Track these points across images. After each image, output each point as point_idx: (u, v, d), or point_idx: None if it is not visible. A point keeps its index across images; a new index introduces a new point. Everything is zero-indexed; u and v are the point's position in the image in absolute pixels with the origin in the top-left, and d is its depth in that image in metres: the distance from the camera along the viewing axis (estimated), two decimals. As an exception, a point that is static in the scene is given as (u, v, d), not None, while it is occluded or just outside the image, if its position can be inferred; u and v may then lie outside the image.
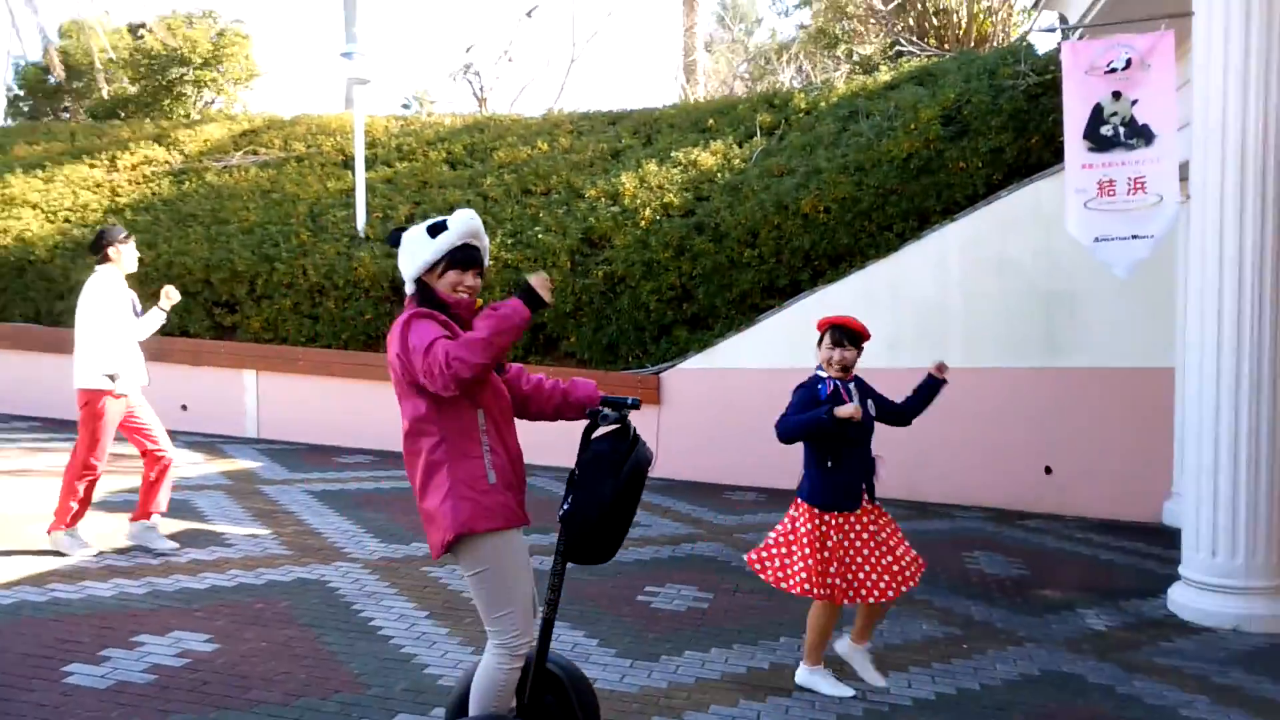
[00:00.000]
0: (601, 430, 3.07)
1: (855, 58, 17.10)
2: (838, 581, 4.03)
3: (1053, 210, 7.78)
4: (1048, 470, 8.39)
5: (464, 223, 2.96)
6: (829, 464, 4.09)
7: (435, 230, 2.95)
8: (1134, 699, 4.28)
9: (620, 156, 11.71)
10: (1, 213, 12.43)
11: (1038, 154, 8.94)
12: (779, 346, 8.92)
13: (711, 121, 11.90)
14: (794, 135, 10.82)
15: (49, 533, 5.78)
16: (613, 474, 2.94)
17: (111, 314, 5.73)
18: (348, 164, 12.49)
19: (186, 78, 19.93)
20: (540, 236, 10.12)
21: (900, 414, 4.44)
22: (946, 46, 15.17)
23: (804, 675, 4.26)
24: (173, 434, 10.18)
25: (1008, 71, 9.53)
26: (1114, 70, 6.12)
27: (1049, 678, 4.52)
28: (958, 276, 8.58)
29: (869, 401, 4.23)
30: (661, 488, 8.71)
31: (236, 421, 10.55)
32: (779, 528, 4.28)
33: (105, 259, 5.80)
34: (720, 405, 9.03)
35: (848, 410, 3.94)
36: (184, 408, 10.59)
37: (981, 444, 8.48)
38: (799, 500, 4.19)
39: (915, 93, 10.19)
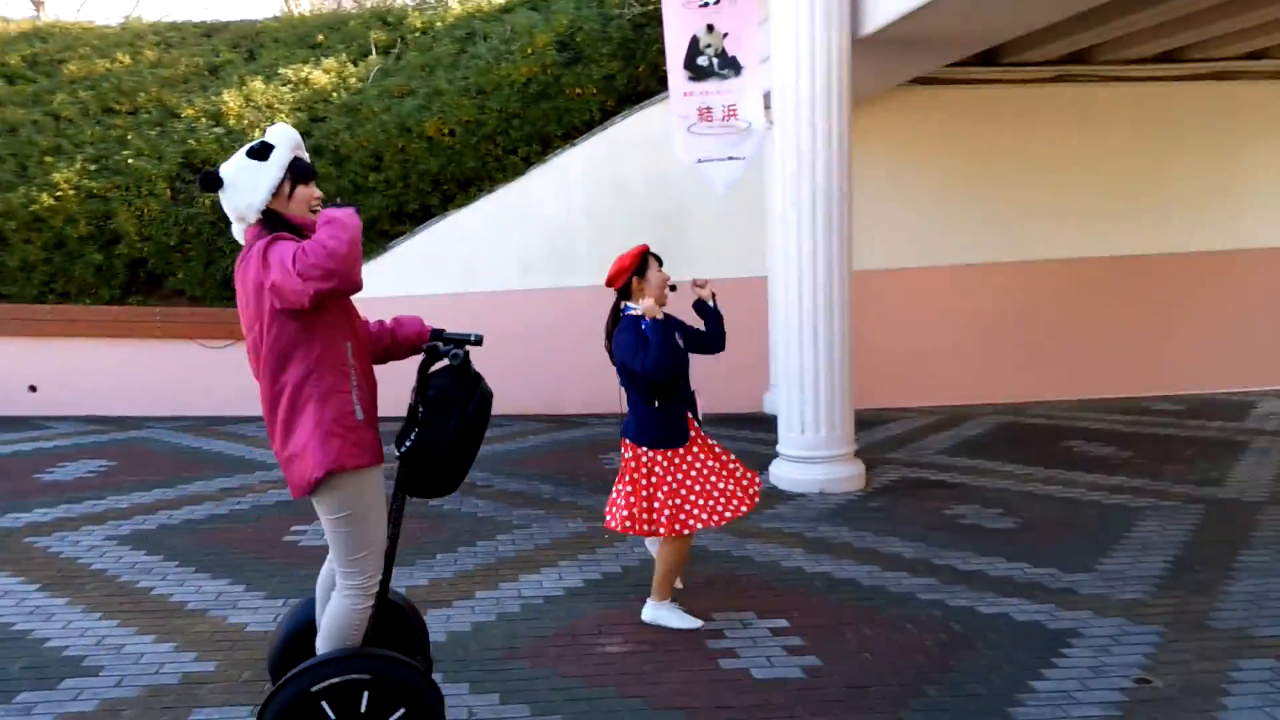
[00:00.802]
0: (438, 365, 2.96)
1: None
2: (690, 510, 3.95)
3: (661, 135, 8.41)
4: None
5: (289, 136, 2.79)
6: (656, 403, 3.99)
7: (262, 153, 2.72)
8: (746, 558, 4.98)
9: (219, 73, 10.73)
10: None
11: (646, 82, 9.56)
12: (413, 273, 8.86)
13: (321, 37, 11.26)
14: (411, 55, 10.58)
15: None
16: (458, 409, 2.88)
17: None
18: None
19: None
20: (131, 161, 9.07)
21: (707, 342, 4.30)
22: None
23: (651, 611, 4.15)
24: None
25: (615, 0, 10.01)
26: (707, 4, 6.70)
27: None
28: (581, 200, 9.02)
29: (676, 335, 4.04)
30: (298, 425, 8.38)
31: None
32: (621, 482, 4.12)
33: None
34: (355, 336, 8.80)
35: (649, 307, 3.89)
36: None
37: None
38: (630, 443, 4.06)
39: (530, 17, 10.38)
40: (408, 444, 2.91)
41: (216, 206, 8.84)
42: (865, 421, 8.00)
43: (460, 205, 9.04)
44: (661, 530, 3.98)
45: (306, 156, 2.88)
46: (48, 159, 9.20)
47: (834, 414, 6.22)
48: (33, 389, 8.80)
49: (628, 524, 4.03)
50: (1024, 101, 9.30)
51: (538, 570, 4.82)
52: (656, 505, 3.97)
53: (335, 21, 11.89)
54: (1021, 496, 6.09)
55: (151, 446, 7.59)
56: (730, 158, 6.74)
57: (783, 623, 4.13)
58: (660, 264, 4.17)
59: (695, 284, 4.29)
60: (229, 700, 3.47)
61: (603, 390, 9.26)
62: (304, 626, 3.08)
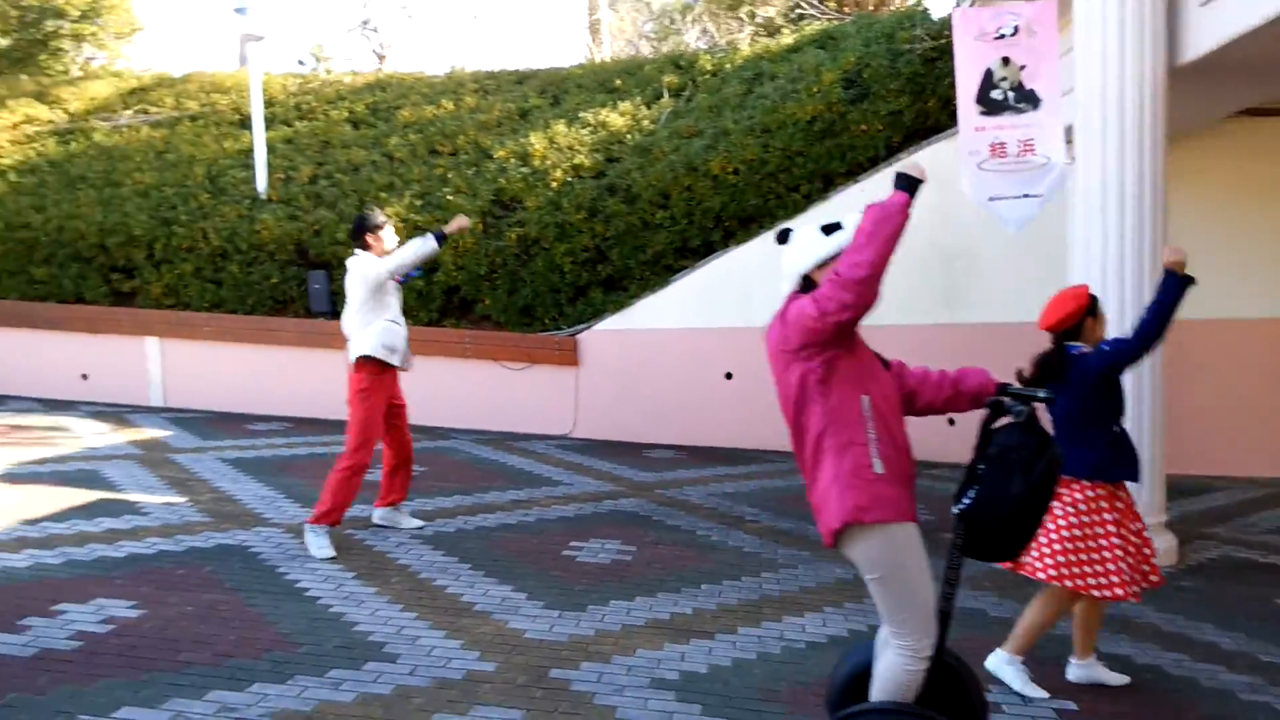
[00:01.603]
0: (1002, 421, 2.90)
1: (758, 19, 17.28)
2: (1109, 568, 3.65)
3: (949, 171, 8.10)
4: (950, 422, 8.82)
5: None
6: (1115, 428, 3.81)
7: (830, 230, 2.91)
8: (1026, 626, 4.63)
9: (528, 116, 11.65)
10: None
11: (935, 117, 9.28)
12: (693, 306, 9.13)
13: (619, 82, 11.93)
14: (701, 97, 10.95)
15: (308, 523, 5.54)
16: (1022, 470, 2.78)
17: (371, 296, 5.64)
18: (245, 123, 12.10)
19: (63, 31, 18.87)
20: (450, 197, 10.05)
21: (1145, 337, 3.89)
22: (846, 9, 15.47)
23: (997, 661, 3.96)
24: (73, 404, 9.91)
25: (905, 36, 9.82)
26: (1003, 36, 6.40)
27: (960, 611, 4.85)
28: (862, 236, 8.87)
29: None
30: (582, 447, 8.86)
31: (140, 390, 10.24)
32: (1059, 523, 3.77)
33: (364, 245, 5.68)
34: (637, 365, 9.20)
35: None
36: (84, 377, 10.23)
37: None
38: (1076, 481, 3.76)
39: (817, 55, 10.42)
40: (965, 502, 2.84)
41: (521, 241, 9.62)
42: (1181, 489, 7.23)
43: (741, 241, 9.20)
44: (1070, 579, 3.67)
45: None
46: (382, 194, 10.42)
47: (1143, 476, 5.65)
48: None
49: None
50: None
51: (801, 613, 4.77)
52: (1083, 549, 3.67)
53: (633, 66, 12.57)
54: (1371, 589, 5.23)
55: (455, 456, 8.32)
56: (1025, 195, 6.37)
57: (1071, 705, 3.81)
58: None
59: (1168, 250, 3.95)
60: (504, 702, 3.71)
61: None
62: (864, 669, 3.04)
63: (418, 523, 6.05)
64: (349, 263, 5.75)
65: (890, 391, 2.91)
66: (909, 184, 2.73)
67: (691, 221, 9.45)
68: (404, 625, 4.44)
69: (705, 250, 9.40)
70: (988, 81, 6.55)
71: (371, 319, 5.64)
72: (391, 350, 5.70)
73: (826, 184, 9.30)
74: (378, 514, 6.04)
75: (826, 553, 5.78)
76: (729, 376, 9.08)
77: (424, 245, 5.63)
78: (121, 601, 4.53)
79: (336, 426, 9.46)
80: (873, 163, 9.21)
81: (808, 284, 2.88)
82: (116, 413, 9.67)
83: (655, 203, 9.51)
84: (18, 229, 10.59)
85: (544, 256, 9.54)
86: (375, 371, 5.64)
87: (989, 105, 6.51)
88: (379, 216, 5.80)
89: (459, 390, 9.68)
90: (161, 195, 10.79)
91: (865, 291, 2.63)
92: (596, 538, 5.96)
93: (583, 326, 9.36)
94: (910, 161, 2.79)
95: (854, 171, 9.25)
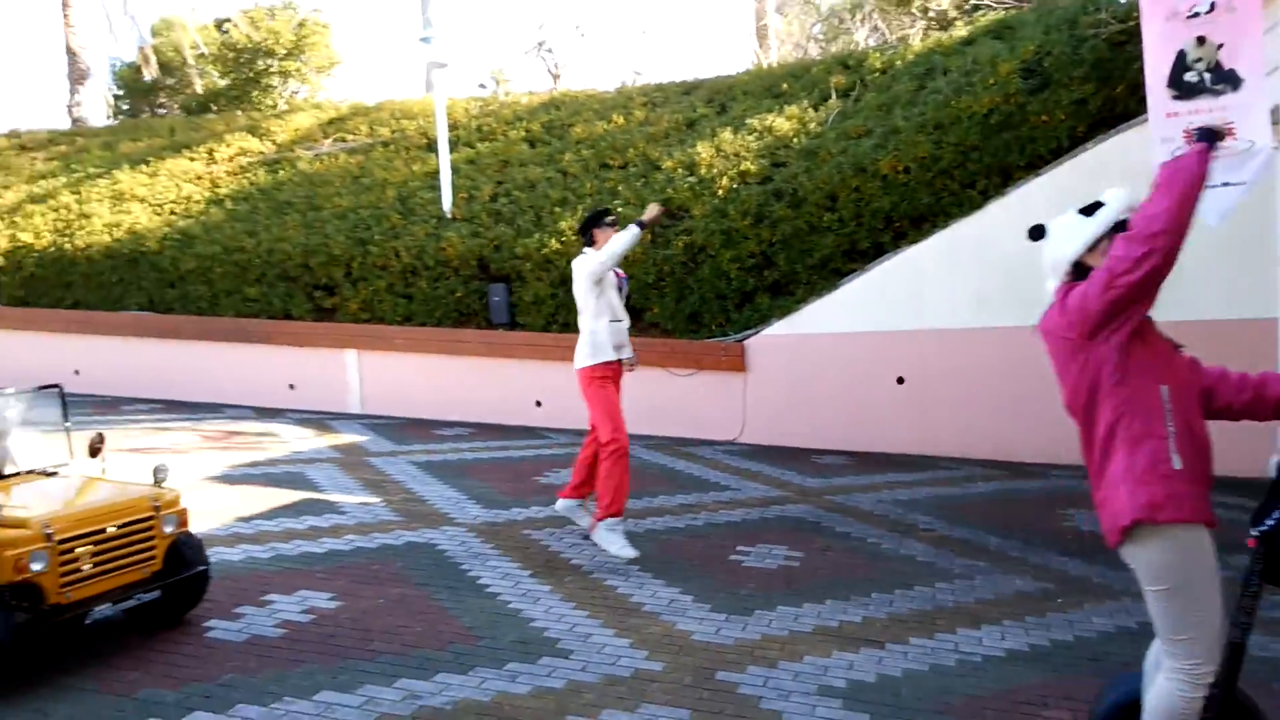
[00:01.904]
0: None
1: (930, 14, 16.75)
2: None
3: (1141, 160, 7.58)
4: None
5: (1122, 197, 2.83)
6: None
7: (1090, 210, 2.84)
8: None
9: (695, 126, 11.78)
10: (114, 207, 13.17)
11: (1123, 104, 8.71)
12: (862, 309, 8.96)
13: (786, 86, 11.87)
14: (870, 96, 10.74)
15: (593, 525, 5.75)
16: None
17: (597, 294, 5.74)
18: (431, 147, 12.84)
19: (272, 69, 20.62)
20: (620, 210, 10.29)
21: None
22: (1026, -3, 14.74)
23: None
24: (281, 412, 10.81)
25: (1089, 20, 9.28)
26: (1197, 15, 5.95)
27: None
28: (1044, 232, 8.46)
29: None
30: (750, 453, 8.87)
31: (340, 398, 11.06)
32: None
33: (591, 241, 5.81)
34: (805, 370, 9.12)
35: None
36: (291, 387, 11.14)
37: (1072, 401, 8.38)
38: None
39: (993, 47, 10.01)
40: (1269, 523, 2.63)
41: (688, 249, 9.75)
42: None
43: (913, 242, 8.96)
44: None
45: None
46: (557, 209, 10.81)
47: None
48: (538, 404, 10.35)
49: None
50: None
51: (977, 625, 4.61)
52: None
53: (799, 70, 12.47)
54: None
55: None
56: (1225, 184, 5.87)
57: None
58: None
59: None
60: (672, 701, 3.80)
61: (1066, 439, 8.58)
62: (1130, 700, 2.86)
63: (630, 552, 5.67)
64: (574, 264, 5.85)
65: (1189, 384, 2.73)
66: (1208, 135, 2.59)
67: (860, 223, 9.28)
68: (576, 623, 4.60)
69: (875, 252, 9.21)
70: (1180, 63, 6.11)
71: (594, 321, 5.73)
72: (618, 348, 5.82)
73: (1005, 178, 8.91)
74: (562, 504, 6.05)
75: (1005, 564, 5.56)
76: (901, 381, 8.85)
77: (628, 235, 5.65)
78: (322, 594, 4.93)
79: (514, 432, 9.91)
80: (1055, 155, 8.75)
81: (1080, 271, 2.78)
82: (319, 419, 10.49)
83: (822, 205, 9.40)
84: (234, 252, 11.67)
85: (710, 263, 9.62)
86: (602, 371, 5.77)
87: (1182, 89, 6.07)
88: (610, 213, 5.88)
89: (627, 396, 9.82)
90: (358, 217, 11.60)
91: (1164, 245, 2.48)
92: (764, 543, 5.97)
93: (750, 332, 9.37)
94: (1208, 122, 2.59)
95: (1034, 165, 8.82)
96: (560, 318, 10.24)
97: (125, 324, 12.02)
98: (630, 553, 5.51)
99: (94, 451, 4.70)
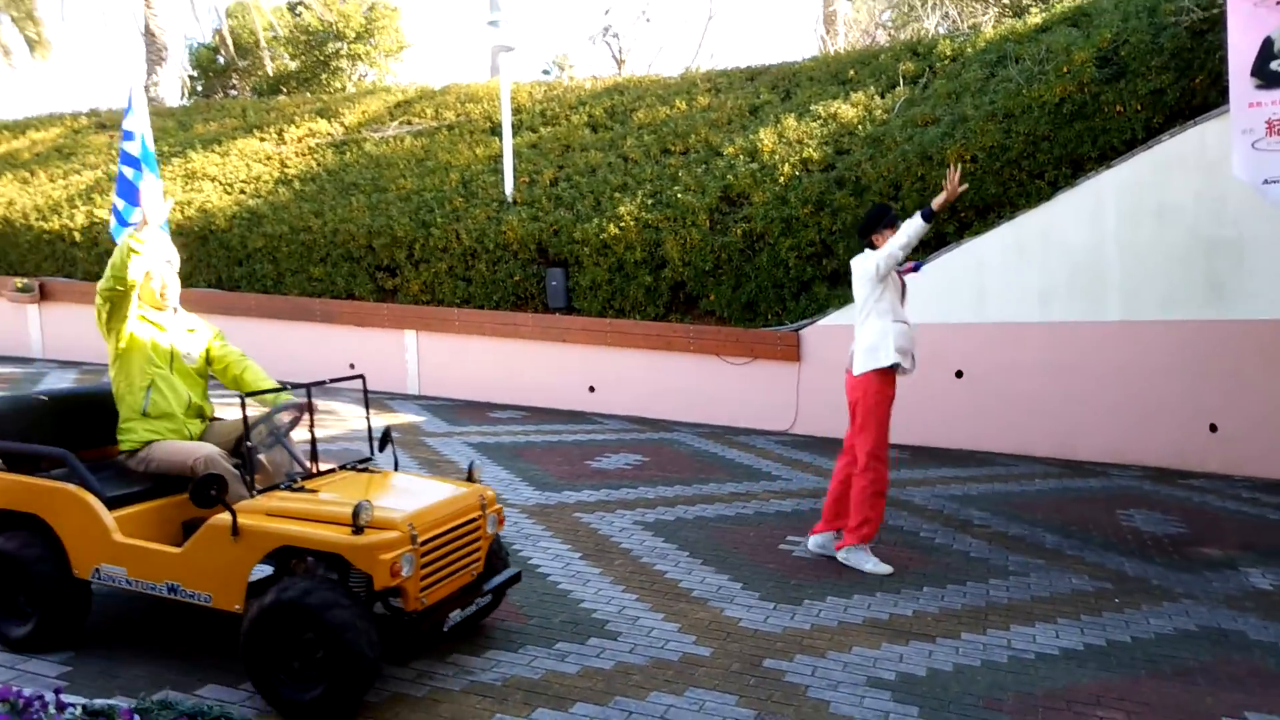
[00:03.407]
0: None
1: (1004, 0, 16.35)
2: None
3: (1218, 153, 7.38)
4: (1212, 428, 8.02)
5: None
6: None
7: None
8: (1297, 656, 4.17)
9: (759, 113, 11.69)
10: (186, 186, 13.52)
11: (1203, 94, 8.42)
12: (922, 301, 8.79)
13: (852, 73, 11.71)
14: (939, 83, 10.54)
15: (839, 549, 5.38)
16: None
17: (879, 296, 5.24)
18: (495, 131, 12.94)
19: (342, 52, 20.95)
20: (680, 196, 10.27)
21: None
22: (1105, -18, 14.29)
23: None
24: (340, 391, 11.03)
25: (1170, 8, 8.98)
26: (1289, 1, 5.75)
27: (1206, 633, 4.44)
28: (1114, 225, 8.24)
29: None
30: (803, 443, 8.81)
31: (399, 379, 11.24)
32: None
33: (871, 245, 5.31)
34: (862, 361, 9.01)
35: None
36: (351, 366, 11.35)
37: (1140, 401, 8.17)
38: None
39: (1068, 34, 9.75)
40: None
41: (747, 236, 9.69)
42: None
43: (977, 233, 8.79)
44: None
45: None
46: (616, 195, 10.82)
47: None
48: (591, 389, 10.41)
49: None
50: None
51: (1031, 623, 4.54)
52: None
53: (867, 56, 12.29)
54: None
55: (677, 447, 8.52)
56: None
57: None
58: None
59: None
60: (719, 686, 3.80)
61: (1128, 438, 8.39)
62: None
63: (885, 568, 5.25)
64: (853, 263, 5.38)
65: None
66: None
67: (924, 214, 9.13)
68: (625, 605, 4.63)
69: (937, 243, 9.06)
70: (1267, 51, 5.92)
71: (878, 321, 5.21)
72: (904, 353, 5.21)
73: (1075, 169, 8.69)
74: (815, 541, 5.55)
75: (1062, 561, 5.45)
76: (959, 375, 8.70)
77: (912, 226, 5.05)
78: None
79: (567, 416, 9.98)
80: (1128, 145, 8.50)
81: None
82: (377, 399, 10.67)
83: (885, 194, 9.26)
84: (300, 232, 11.91)
85: (769, 251, 9.55)
86: (889, 378, 5.25)
87: (1267, 78, 5.89)
88: (891, 211, 5.33)
89: (682, 384, 9.89)
90: (421, 199, 11.75)
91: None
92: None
93: (806, 322, 9.29)
94: None
95: (1106, 156, 8.58)
96: (615, 303, 10.27)
97: (192, 300, 12.28)
98: (885, 569, 5.19)
99: (383, 444, 4.46)
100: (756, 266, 9.62)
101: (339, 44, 20.84)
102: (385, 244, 11.40)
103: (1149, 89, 8.50)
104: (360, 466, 4.40)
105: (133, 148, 6.97)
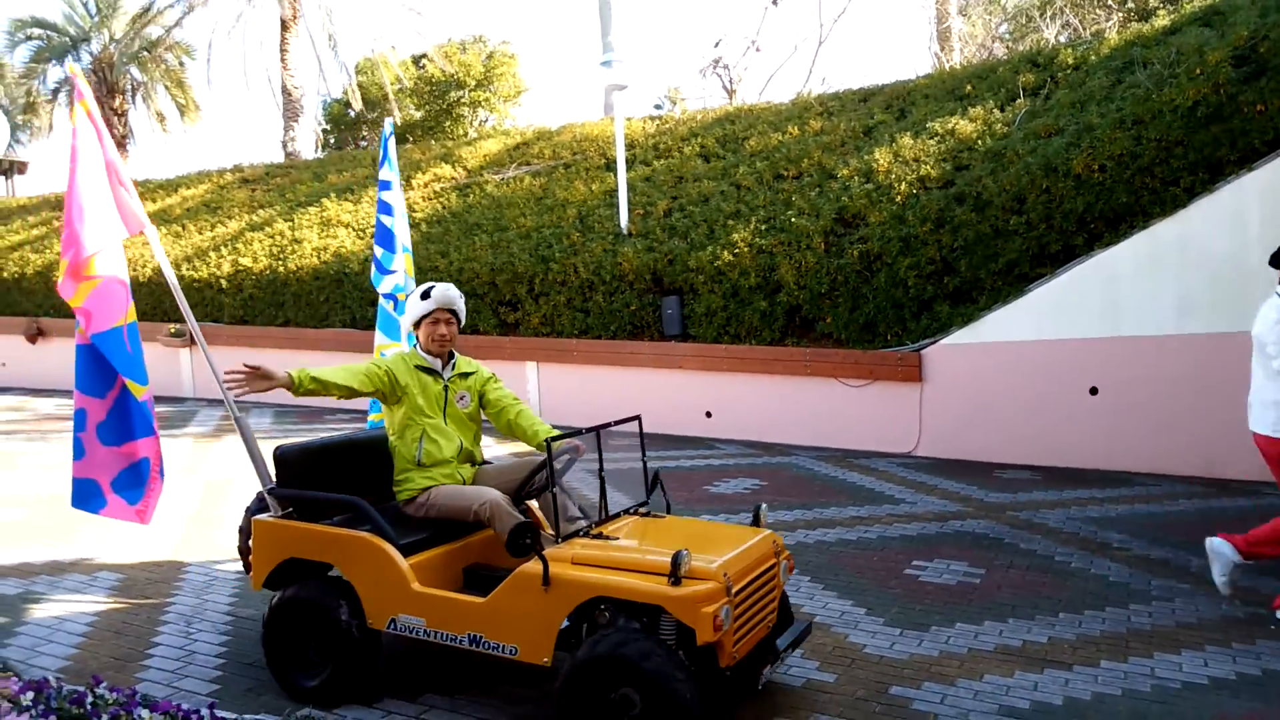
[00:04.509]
0: None
1: (1129, 5, 15.72)
2: None
3: (1376, 148, 6.89)
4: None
5: None
6: None
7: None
8: None
9: (872, 133, 11.56)
10: (323, 233, 14.29)
11: (1355, 87, 7.90)
12: (1052, 316, 8.51)
13: (969, 88, 11.46)
14: (1061, 94, 10.21)
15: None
16: None
17: None
18: (609, 166, 13.21)
19: (463, 100, 21.82)
20: (794, 220, 10.24)
21: None
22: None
23: None
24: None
25: (1315, -2, 8.48)
26: None
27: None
28: (1258, 231, 7.77)
29: None
30: (927, 466, 8.59)
31: (521, 409, 11.52)
32: None
33: None
34: (987, 380, 8.75)
35: None
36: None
37: (1295, 414, 7.64)
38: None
39: (1200, 35, 9.30)
40: None
41: (863, 257, 9.57)
42: None
43: (1109, 244, 8.43)
44: None
45: None
46: (730, 222, 10.86)
47: None
48: (708, 415, 10.42)
49: None
50: None
51: (1177, 650, 4.29)
52: None
53: (984, 70, 12.01)
54: None
55: (795, 471, 8.43)
56: None
57: None
58: None
59: None
60: (844, 714, 3.73)
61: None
62: None
63: None
64: (1265, 308, 4.58)
65: None
66: None
67: (1050, 225, 8.82)
68: (745, 630, 4.60)
69: (1065, 256, 8.73)
70: None
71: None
72: None
73: (1213, 174, 8.24)
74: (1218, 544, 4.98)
75: (1208, 586, 5.13)
76: (1094, 391, 8.32)
77: None
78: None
79: (685, 441, 10.00)
80: (1271, 147, 8.02)
81: None
82: (503, 429, 10.94)
83: (1008, 208, 9.00)
84: (428, 272, 12.39)
85: (887, 271, 9.40)
86: None
87: None
88: None
89: (800, 407, 9.79)
90: (540, 236, 12.09)
91: None
92: (941, 558, 5.76)
93: (927, 341, 9.07)
94: None
95: (1247, 158, 8.11)
96: (731, 329, 10.28)
97: (328, 339, 12.99)
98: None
99: (652, 486, 4.20)
100: (874, 287, 9.48)
101: (460, 92, 21.70)
102: (507, 279, 11.75)
103: (1292, 85, 8.02)
104: (643, 512, 4.15)
105: (391, 197, 6.59)
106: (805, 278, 9.80)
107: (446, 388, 4.31)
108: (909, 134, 10.86)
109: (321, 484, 4.15)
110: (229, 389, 3.97)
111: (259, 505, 4.41)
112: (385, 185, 6.62)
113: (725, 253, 10.30)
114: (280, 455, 4.12)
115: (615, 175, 12.08)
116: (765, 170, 11.66)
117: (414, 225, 13.74)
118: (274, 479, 4.15)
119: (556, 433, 4.02)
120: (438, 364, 4.33)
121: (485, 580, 3.82)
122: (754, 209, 10.91)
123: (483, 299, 11.97)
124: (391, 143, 6.74)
